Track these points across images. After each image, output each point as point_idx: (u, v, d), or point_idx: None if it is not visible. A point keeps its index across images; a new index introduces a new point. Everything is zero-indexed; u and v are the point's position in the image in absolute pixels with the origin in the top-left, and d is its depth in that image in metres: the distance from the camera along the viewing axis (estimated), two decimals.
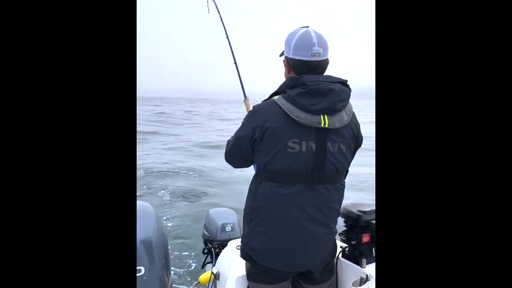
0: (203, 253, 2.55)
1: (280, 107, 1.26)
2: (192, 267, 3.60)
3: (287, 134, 1.25)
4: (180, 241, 4.41)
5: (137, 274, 1.49)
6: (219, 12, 2.19)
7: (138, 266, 1.50)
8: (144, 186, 6.87)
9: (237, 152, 1.40)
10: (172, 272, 1.92)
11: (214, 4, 2.25)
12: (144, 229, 1.63)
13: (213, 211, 2.67)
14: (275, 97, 1.31)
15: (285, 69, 1.38)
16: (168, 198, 6.27)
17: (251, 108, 1.40)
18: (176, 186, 6.97)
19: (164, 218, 5.13)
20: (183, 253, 4.09)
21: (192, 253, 3.99)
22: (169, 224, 4.93)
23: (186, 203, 6.02)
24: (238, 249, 1.71)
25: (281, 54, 1.40)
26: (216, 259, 2.26)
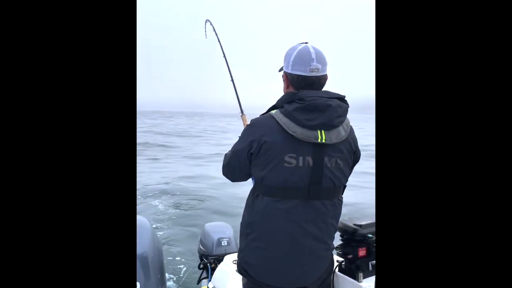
0: (199, 268, 2.52)
1: (277, 121, 1.28)
2: (188, 283, 3.55)
3: (284, 149, 1.26)
4: (175, 256, 4.36)
5: None
6: (216, 34, 2.31)
7: None
8: (140, 197, 6.82)
9: (235, 166, 1.40)
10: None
11: (211, 26, 2.39)
12: (140, 244, 1.62)
13: (209, 225, 2.65)
14: (273, 112, 1.33)
15: (284, 84, 1.40)
16: (162, 211, 6.22)
17: (247, 123, 1.42)
18: (172, 200, 6.92)
19: (160, 233, 5.07)
20: (178, 267, 4.04)
21: (187, 268, 3.94)
22: (163, 239, 4.88)
23: (181, 216, 5.97)
24: (235, 263, 1.70)
25: (281, 69, 1.42)
26: (212, 274, 2.24)
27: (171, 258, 4.25)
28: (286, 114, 1.26)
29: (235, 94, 2.08)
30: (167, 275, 2.79)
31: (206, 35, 2.46)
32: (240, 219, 1.42)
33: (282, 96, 1.34)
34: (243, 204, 1.42)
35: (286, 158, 1.26)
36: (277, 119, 1.28)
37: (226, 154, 1.46)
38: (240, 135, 1.39)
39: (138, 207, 6.34)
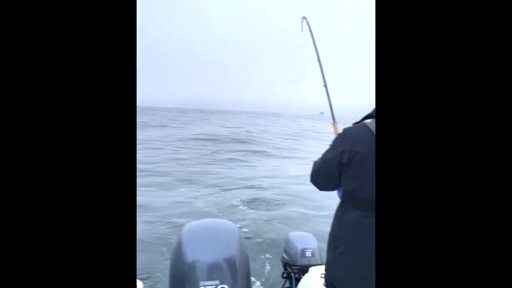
0: (282, 277, 2.52)
1: (372, 132, 1.21)
2: None
3: None
4: (256, 261, 4.42)
5: None
6: (312, 36, 2.16)
7: (222, 284, 1.54)
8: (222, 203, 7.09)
9: (324, 175, 1.37)
10: None
11: (307, 26, 2.21)
12: (228, 247, 1.67)
13: (293, 235, 2.64)
14: (367, 121, 1.26)
15: None
16: (246, 216, 6.38)
17: (339, 131, 1.37)
18: (255, 204, 7.06)
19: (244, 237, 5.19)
20: (260, 273, 4.09)
21: (268, 274, 3.96)
22: (247, 243, 4.98)
23: (265, 223, 6.05)
24: (322, 277, 1.65)
25: None
26: (296, 284, 2.21)
27: (252, 263, 4.32)
28: None
29: (328, 100, 1.97)
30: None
31: (302, 28, 2.25)
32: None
33: None
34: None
35: None
36: (372, 129, 1.21)
37: (315, 162, 1.44)
38: (331, 143, 1.35)
39: (224, 212, 6.61)
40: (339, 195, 1.46)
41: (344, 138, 1.29)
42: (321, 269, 1.85)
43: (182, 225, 1.85)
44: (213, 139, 20.48)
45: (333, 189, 1.42)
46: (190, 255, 1.60)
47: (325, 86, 2.03)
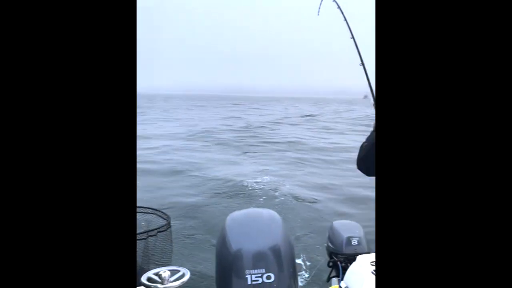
0: (328, 266, 2.48)
1: None
2: (317, 279, 3.54)
3: None
4: (301, 250, 4.41)
5: (267, 281, 1.52)
6: (342, 12, 1.98)
7: (268, 272, 1.53)
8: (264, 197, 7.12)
9: (373, 159, 1.31)
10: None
11: (336, 4, 2.04)
12: (272, 236, 1.67)
13: (337, 223, 2.58)
14: None
15: None
16: (285, 204, 6.37)
17: None
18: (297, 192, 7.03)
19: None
20: (306, 264, 4.07)
21: (314, 263, 3.93)
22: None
23: (307, 213, 6.01)
24: (373, 265, 1.59)
25: None
26: (343, 273, 2.17)
27: (299, 252, 4.32)
28: None
29: (367, 79, 1.77)
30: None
31: (319, 12, 2.13)
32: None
33: None
34: None
35: None
36: None
37: (362, 145, 1.37)
38: None
39: (265, 199, 6.64)
40: None
41: None
42: (370, 257, 1.79)
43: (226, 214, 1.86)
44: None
45: None
46: (235, 244, 1.60)
47: (362, 64, 1.83)
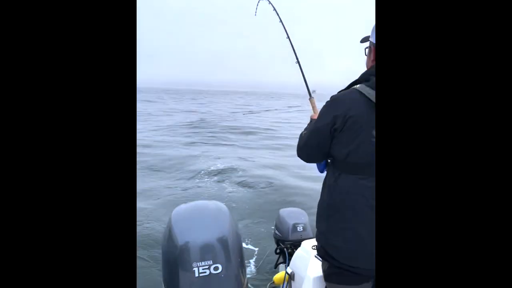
0: (276, 253, 2.55)
1: (363, 94, 1.21)
2: (265, 267, 3.61)
3: (371, 123, 1.19)
4: (249, 239, 4.47)
5: (214, 272, 1.52)
6: (278, 14, 2.17)
7: (215, 263, 1.53)
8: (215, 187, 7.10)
9: (313, 145, 1.36)
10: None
11: (271, 6, 2.24)
12: (219, 228, 1.66)
13: (283, 211, 2.65)
14: (356, 86, 1.26)
15: (370, 56, 1.32)
16: (236, 197, 6.42)
17: (316, 107, 1.35)
18: (243, 184, 7.09)
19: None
20: (255, 253, 4.14)
21: (261, 251, 4.01)
22: (240, 225, 5.03)
23: (255, 202, 6.10)
24: (314, 249, 1.66)
25: (364, 40, 1.33)
26: (289, 259, 2.24)
27: (247, 242, 4.37)
28: (374, 87, 1.18)
29: (302, 76, 1.98)
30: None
31: (256, 12, 2.33)
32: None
33: (368, 70, 1.26)
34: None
35: (374, 133, 1.18)
36: (364, 92, 1.21)
37: (301, 134, 1.42)
38: (319, 113, 1.34)
39: (213, 191, 6.62)
40: (319, 169, 1.46)
41: (336, 104, 1.27)
42: (313, 241, 1.87)
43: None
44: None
45: (320, 160, 1.41)
46: (181, 238, 1.58)
47: (298, 62, 2.04)
